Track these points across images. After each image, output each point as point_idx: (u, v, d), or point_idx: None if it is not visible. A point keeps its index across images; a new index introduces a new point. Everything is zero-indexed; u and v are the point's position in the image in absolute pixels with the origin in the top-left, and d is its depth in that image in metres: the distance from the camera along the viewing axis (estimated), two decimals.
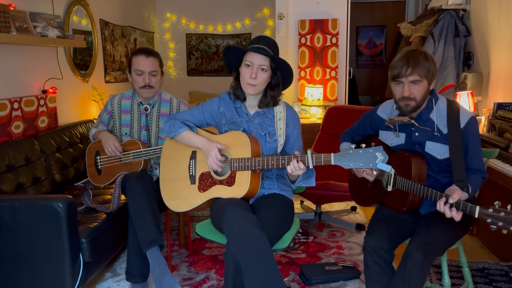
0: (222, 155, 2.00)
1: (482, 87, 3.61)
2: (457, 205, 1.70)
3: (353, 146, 1.74)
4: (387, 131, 2.07)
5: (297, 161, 1.83)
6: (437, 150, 1.93)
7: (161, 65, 2.61)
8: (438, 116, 1.93)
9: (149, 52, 2.55)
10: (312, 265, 2.73)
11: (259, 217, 1.89)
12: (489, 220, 1.62)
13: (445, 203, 1.72)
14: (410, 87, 1.86)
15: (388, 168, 1.68)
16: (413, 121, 1.94)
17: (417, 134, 1.96)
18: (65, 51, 3.53)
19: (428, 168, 1.95)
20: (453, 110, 1.91)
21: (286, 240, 2.02)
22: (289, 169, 1.85)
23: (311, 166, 1.82)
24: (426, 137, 1.95)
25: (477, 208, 1.64)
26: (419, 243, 1.78)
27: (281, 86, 2.09)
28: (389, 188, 1.99)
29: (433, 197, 1.79)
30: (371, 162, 1.69)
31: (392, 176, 1.97)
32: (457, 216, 1.70)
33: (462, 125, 1.88)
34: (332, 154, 1.76)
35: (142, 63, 2.50)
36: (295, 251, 2.99)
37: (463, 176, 1.82)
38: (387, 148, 2.06)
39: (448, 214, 1.72)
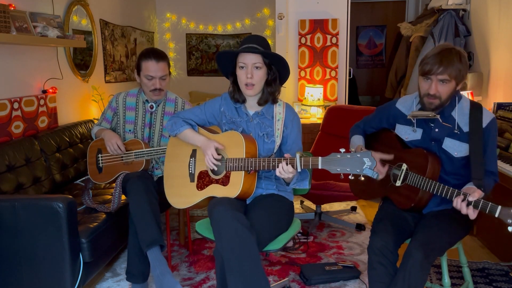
0: (218, 154, 2.02)
1: (482, 87, 3.61)
2: (476, 203, 1.69)
3: (341, 150, 1.73)
4: (405, 126, 2.06)
5: (286, 164, 1.83)
6: (455, 148, 1.92)
7: (169, 66, 2.63)
8: (460, 114, 1.93)
9: (159, 57, 2.54)
10: (312, 265, 2.73)
11: (253, 217, 1.90)
12: (509, 221, 1.61)
13: (463, 200, 1.72)
14: (437, 85, 1.85)
15: (375, 175, 1.68)
16: (437, 116, 1.93)
17: (437, 130, 1.96)
18: (65, 51, 3.53)
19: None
20: (476, 109, 1.92)
21: (280, 241, 2.01)
22: (277, 171, 1.85)
23: (299, 169, 1.82)
24: (445, 133, 1.94)
25: (499, 207, 1.64)
26: (420, 242, 1.77)
27: (279, 81, 2.09)
28: (398, 183, 1.98)
29: (448, 194, 1.78)
30: (358, 168, 1.68)
31: (404, 172, 1.97)
32: (472, 214, 1.70)
33: (484, 125, 1.88)
34: (320, 158, 1.76)
35: (153, 68, 2.51)
36: (295, 251, 2.99)
37: (481, 175, 1.82)
38: (401, 143, 2.06)
39: (464, 211, 1.72)
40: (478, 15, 3.81)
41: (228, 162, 1.97)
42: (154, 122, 2.65)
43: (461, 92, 3.36)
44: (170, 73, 2.66)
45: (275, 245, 1.99)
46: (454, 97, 1.94)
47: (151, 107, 2.64)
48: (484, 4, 3.67)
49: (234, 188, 1.97)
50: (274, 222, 1.97)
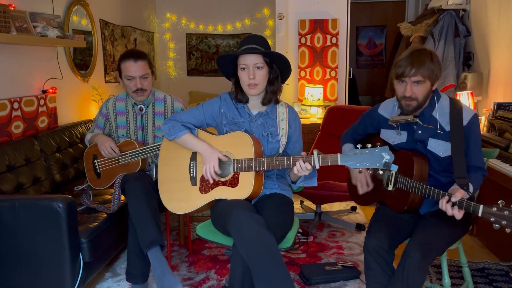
0: (225, 156, 2.00)
1: (482, 87, 3.61)
2: (460, 204, 1.70)
3: (358, 146, 1.75)
4: (389, 130, 2.07)
5: (303, 162, 1.83)
6: (440, 148, 1.93)
7: (150, 66, 2.59)
8: (441, 114, 1.94)
9: (137, 56, 2.51)
10: (312, 265, 2.73)
11: (264, 217, 1.88)
12: (492, 219, 1.62)
13: (448, 201, 1.72)
14: (412, 87, 1.86)
15: (395, 168, 1.69)
16: (417, 120, 1.94)
17: (420, 132, 1.96)
18: (65, 51, 3.53)
19: (429, 168, 1.95)
20: (456, 107, 1.93)
21: (289, 239, 2.02)
22: (295, 169, 1.85)
23: (317, 167, 1.82)
24: (429, 134, 1.95)
25: (481, 207, 1.65)
26: (418, 242, 1.78)
27: (280, 78, 2.08)
28: (390, 188, 1.99)
29: (435, 196, 1.79)
30: (377, 162, 1.69)
31: (394, 176, 1.97)
32: (458, 214, 1.71)
33: (465, 123, 1.89)
34: (338, 154, 1.76)
35: (132, 68, 2.49)
36: (295, 251, 2.99)
37: (464, 174, 1.83)
38: (390, 146, 2.06)
39: (449, 212, 1.72)
40: (478, 15, 3.81)
41: (237, 163, 1.95)
42: (146, 124, 2.64)
43: (461, 92, 3.38)
44: (153, 72, 2.62)
45: (285, 243, 2.00)
46: (433, 97, 1.95)
47: (141, 109, 2.63)
48: (484, 4, 3.67)
49: (244, 189, 1.96)
50: (283, 220, 1.98)
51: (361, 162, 1.72)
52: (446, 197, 1.74)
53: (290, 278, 1.79)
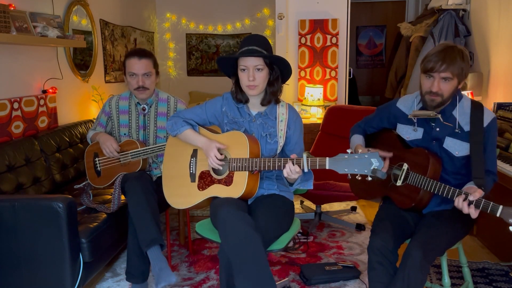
0: (221, 154, 2.01)
1: (482, 87, 3.61)
2: (477, 203, 1.70)
3: (349, 151, 1.74)
4: (405, 125, 2.06)
5: (293, 164, 1.83)
6: (456, 147, 1.93)
7: (155, 65, 2.59)
8: (461, 114, 1.94)
9: (142, 54, 2.53)
10: (312, 265, 2.73)
11: (256, 218, 1.89)
12: (510, 220, 1.62)
13: (464, 199, 1.73)
14: (440, 83, 1.85)
15: (383, 176, 1.68)
16: (439, 116, 1.92)
17: (438, 129, 1.96)
18: (65, 51, 3.53)
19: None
20: (477, 108, 1.92)
21: (283, 241, 2.01)
22: (285, 172, 1.85)
23: (306, 170, 1.82)
24: (446, 133, 1.94)
25: (500, 207, 1.65)
26: (419, 242, 1.78)
27: (281, 80, 2.08)
28: (399, 183, 1.98)
29: (449, 194, 1.79)
30: (366, 168, 1.68)
31: (405, 171, 1.96)
32: (474, 213, 1.71)
33: (485, 124, 1.89)
34: (327, 158, 1.76)
35: (136, 66, 2.50)
36: (295, 251, 2.99)
37: (482, 174, 1.82)
38: (402, 143, 2.06)
39: (465, 210, 1.73)
40: (478, 15, 3.81)
41: (232, 162, 1.96)
42: (148, 124, 2.64)
43: (461, 92, 3.37)
44: (158, 72, 2.62)
45: (278, 245, 1.99)
46: (455, 96, 1.95)
47: (144, 109, 2.63)
48: (484, 4, 3.67)
49: (237, 188, 1.97)
50: (277, 222, 1.97)
51: (349, 168, 1.71)
52: (463, 196, 1.74)
53: (272, 278, 1.79)
